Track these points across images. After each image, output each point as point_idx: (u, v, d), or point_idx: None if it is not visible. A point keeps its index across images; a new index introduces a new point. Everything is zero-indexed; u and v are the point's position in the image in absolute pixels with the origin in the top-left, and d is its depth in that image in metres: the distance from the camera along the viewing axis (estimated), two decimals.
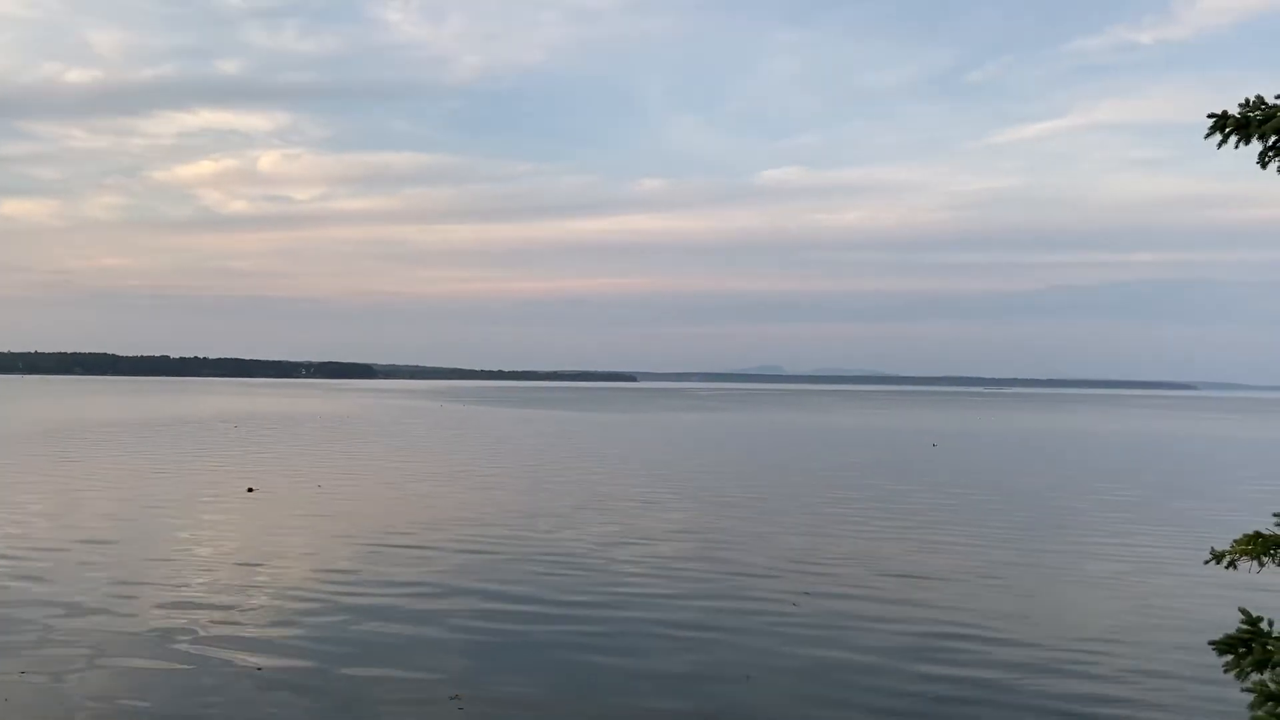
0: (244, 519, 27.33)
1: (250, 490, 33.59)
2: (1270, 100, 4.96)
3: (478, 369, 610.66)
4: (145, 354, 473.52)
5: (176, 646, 14.50)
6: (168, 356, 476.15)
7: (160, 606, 16.99)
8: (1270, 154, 4.88)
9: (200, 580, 19.25)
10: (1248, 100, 5.02)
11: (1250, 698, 4.56)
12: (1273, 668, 4.52)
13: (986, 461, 53.08)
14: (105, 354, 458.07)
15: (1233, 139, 5.01)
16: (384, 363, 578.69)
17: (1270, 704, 4.34)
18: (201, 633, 15.31)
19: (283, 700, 12.26)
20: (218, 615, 16.46)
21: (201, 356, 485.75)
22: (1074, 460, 54.53)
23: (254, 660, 13.83)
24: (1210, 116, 5.15)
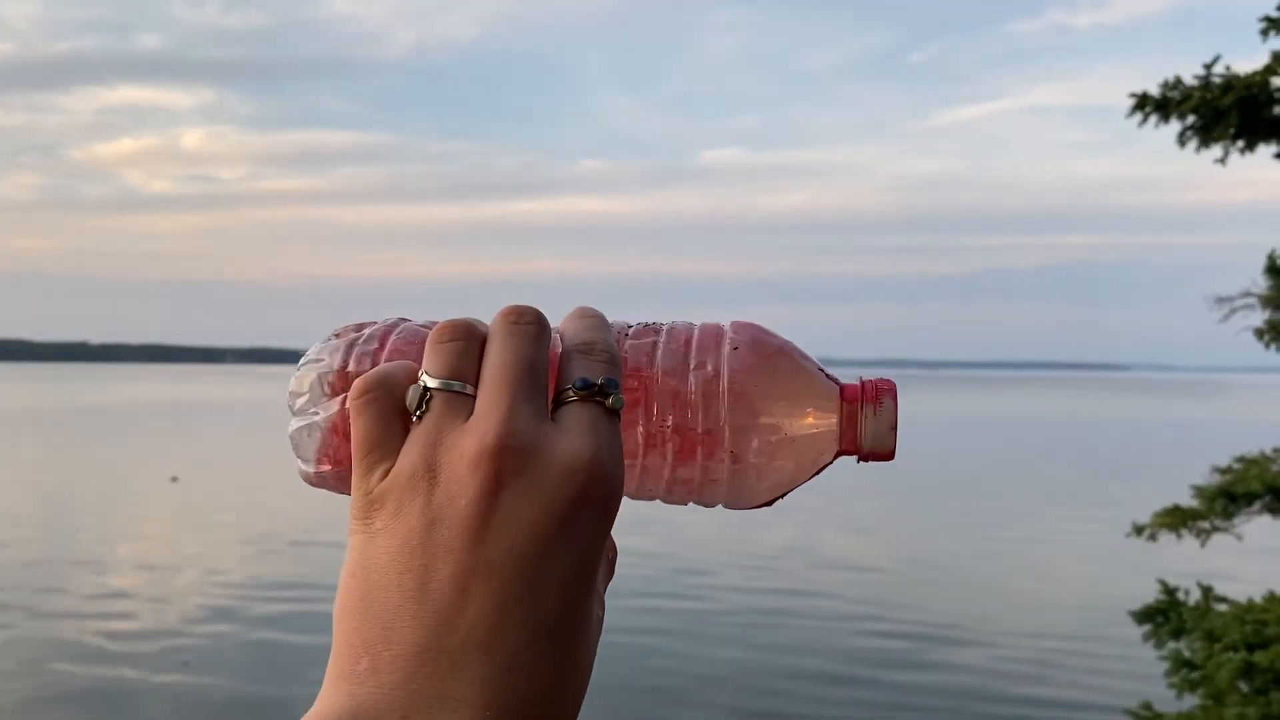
0: (166, 510, 26.61)
1: (174, 480, 32.72)
2: (1189, 81, 5.06)
3: None
4: (63, 340, 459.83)
5: (86, 650, 14.05)
6: (87, 343, 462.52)
7: (68, 607, 16.44)
8: (1189, 133, 4.99)
9: (115, 578, 18.68)
10: (1167, 81, 5.11)
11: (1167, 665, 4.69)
12: (1187, 635, 4.64)
13: (922, 445, 54.16)
14: (20, 340, 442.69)
15: (1153, 118, 5.11)
16: None
17: (1184, 670, 4.45)
18: (114, 635, 14.85)
19: (207, 706, 11.97)
20: (133, 615, 15.99)
21: (123, 343, 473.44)
22: (1009, 443, 55.94)
23: (174, 667, 13.47)
24: (1132, 96, 5.24)
